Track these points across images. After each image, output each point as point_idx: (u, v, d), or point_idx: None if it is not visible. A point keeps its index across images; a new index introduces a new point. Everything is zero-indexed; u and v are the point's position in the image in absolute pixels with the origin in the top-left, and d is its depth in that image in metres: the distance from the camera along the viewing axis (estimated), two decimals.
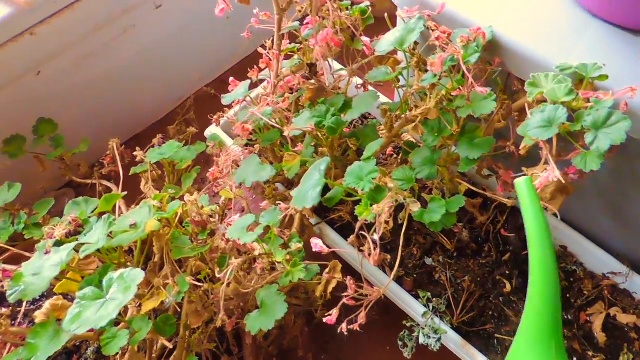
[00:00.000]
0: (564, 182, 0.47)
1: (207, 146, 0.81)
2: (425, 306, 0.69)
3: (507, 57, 0.55)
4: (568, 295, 0.72)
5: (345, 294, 0.50)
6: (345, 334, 0.51)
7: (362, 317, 0.51)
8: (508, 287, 0.73)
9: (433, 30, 0.52)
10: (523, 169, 0.55)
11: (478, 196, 0.73)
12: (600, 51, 0.53)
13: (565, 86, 0.48)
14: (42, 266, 0.54)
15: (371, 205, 0.50)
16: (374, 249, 0.49)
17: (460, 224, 0.77)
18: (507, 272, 0.74)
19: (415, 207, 0.54)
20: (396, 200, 0.53)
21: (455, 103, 0.54)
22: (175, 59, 1.01)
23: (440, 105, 0.56)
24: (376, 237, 0.49)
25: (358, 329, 0.51)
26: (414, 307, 0.69)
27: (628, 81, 0.50)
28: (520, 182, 0.47)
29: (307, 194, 0.51)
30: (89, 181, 0.84)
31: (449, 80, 0.55)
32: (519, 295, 0.73)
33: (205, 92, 1.04)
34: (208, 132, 0.84)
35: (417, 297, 0.71)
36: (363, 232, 0.50)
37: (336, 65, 0.85)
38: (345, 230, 0.77)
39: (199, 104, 1.07)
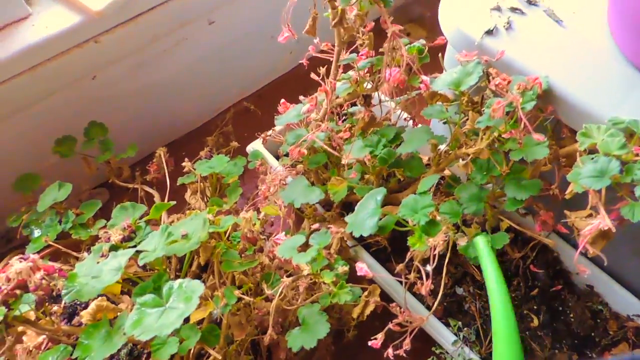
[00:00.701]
0: (614, 230, 0.49)
1: (249, 162, 0.84)
2: (455, 335, 0.72)
3: (560, 106, 0.58)
4: (593, 334, 0.75)
5: (395, 320, 0.52)
6: (392, 359, 0.53)
7: (407, 344, 0.53)
8: (535, 322, 0.75)
9: (493, 78, 0.55)
10: (566, 212, 0.58)
11: (510, 231, 0.75)
12: None
13: (618, 140, 0.51)
14: (101, 270, 0.56)
15: (424, 238, 0.53)
16: (426, 279, 0.51)
17: None
18: (535, 307, 0.76)
19: (462, 242, 0.56)
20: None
21: (507, 145, 0.57)
22: (218, 72, 1.04)
23: (492, 146, 0.58)
24: (429, 268, 0.51)
25: (404, 354, 0.53)
26: (444, 335, 0.71)
27: None
28: (479, 240, 0.55)
29: (364, 222, 0.54)
30: (130, 185, 0.86)
31: (501, 123, 0.58)
32: (545, 330, 0.75)
33: (244, 106, 1.08)
34: (250, 148, 0.86)
35: (447, 325, 0.73)
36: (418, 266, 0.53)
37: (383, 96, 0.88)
38: (379, 254, 0.79)
39: (236, 117, 1.10)
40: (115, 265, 0.56)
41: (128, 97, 0.91)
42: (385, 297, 0.74)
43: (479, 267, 0.79)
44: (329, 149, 0.59)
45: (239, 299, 0.63)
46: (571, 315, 0.75)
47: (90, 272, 0.57)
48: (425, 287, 0.51)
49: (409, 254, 0.55)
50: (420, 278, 0.55)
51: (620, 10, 0.58)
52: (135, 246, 0.61)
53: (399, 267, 0.56)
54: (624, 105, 0.57)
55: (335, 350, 0.80)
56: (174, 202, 0.71)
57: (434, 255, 0.50)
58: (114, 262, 0.57)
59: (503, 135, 0.58)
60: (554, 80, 0.58)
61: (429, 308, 0.76)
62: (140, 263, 0.56)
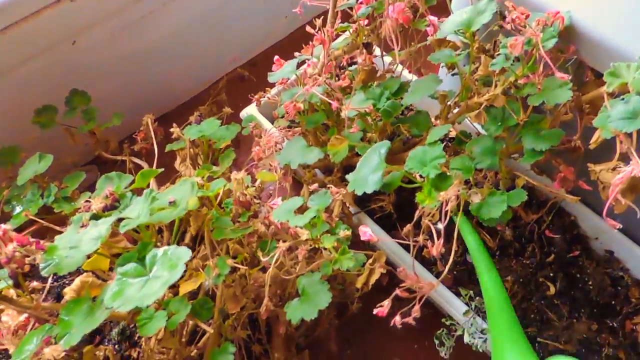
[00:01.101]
0: None
1: (243, 127, 0.79)
2: (467, 304, 0.67)
3: (583, 45, 0.52)
4: (614, 302, 0.69)
5: (402, 285, 0.47)
6: (399, 327, 0.48)
7: (416, 310, 0.48)
8: (552, 290, 0.70)
9: (510, 11, 0.49)
10: (590, 165, 0.52)
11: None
12: None
13: None
14: (80, 239, 0.51)
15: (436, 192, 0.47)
16: (438, 238, 0.46)
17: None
18: (551, 275, 0.71)
19: (477, 199, 0.51)
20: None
21: (524, 90, 0.51)
22: (209, 39, 0.98)
23: (507, 93, 0.53)
24: (440, 226, 0.46)
25: (413, 322, 0.48)
26: (455, 305, 0.67)
27: None
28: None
29: (367, 178, 0.48)
30: (118, 157, 0.81)
31: (518, 66, 0.52)
32: (562, 298, 0.69)
33: (238, 74, 1.02)
34: (244, 113, 0.81)
35: (457, 294, 0.69)
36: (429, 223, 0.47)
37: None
38: (383, 221, 0.74)
39: (230, 86, 1.04)
40: (95, 234, 0.51)
41: (112, 64, 0.85)
42: (391, 266, 0.70)
43: (490, 233, 0.74)
44: (328, 100, 0.53)
45: (234, 270, 0.59)
46: (590, 283, 0.70)
47: (70, 241, 0.52)
48: (436, 248, 0.45)
49: (417, 212, 0.49)
50: (430, 239, 0.50)
51: None
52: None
53: (407, 227, 0.50)
54: None
55: (338, 324, 0.76)
56: (162, 169, 0.65)
57: (446, 212, 0.45)
58: (94, 230, 0.52)
59: (520, 81, 0.53)
60: (576, 15, 0.52)
61: (438, 276, 0.71)
62: (122, 230, 0.51)
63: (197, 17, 0.91)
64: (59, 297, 0.75)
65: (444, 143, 0.73)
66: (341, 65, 0.71)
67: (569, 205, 0.74)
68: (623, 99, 0.46)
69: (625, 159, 0.47)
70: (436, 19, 0.54)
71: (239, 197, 0.56)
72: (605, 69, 0.49)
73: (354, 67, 0.71)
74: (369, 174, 0.48)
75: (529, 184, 0.74)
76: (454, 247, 0.54)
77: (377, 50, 0.68)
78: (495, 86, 0.53)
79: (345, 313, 0.74)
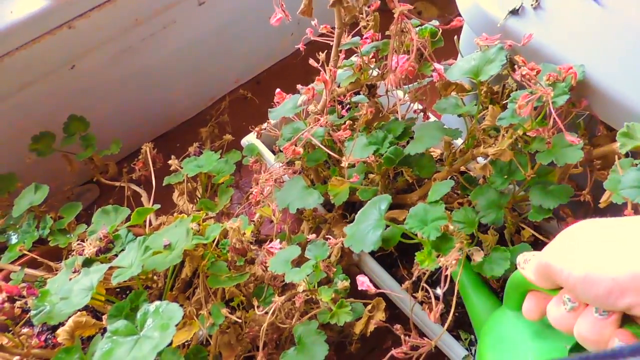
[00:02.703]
0: None
1: (244, 156, 0.77)
2: (467, 350, 0.65)
3: (596, 100, 0.50)
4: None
5: (397, 350, 0.46)
6: None
7: None
8: None
9: (519, 67, 0.47)
10: None
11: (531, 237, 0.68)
12: None
13: None
14: (71, 289, 0.50)
15: (435, 254, 0.46)
16: (436, 305, 0.44)
17: None
18: None
19: (478, 258, 0.49)
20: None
21: (533, 146, 0.49)
22: (211, 58, 0.96)
23: (514, 146, 0.51)
24: (439, 291, 0.44)
25: None
26: (454, 349, 0.65)
27: None
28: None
29: (365, 236, 0.47)
30: (117, 183, 0.80)
31: (527, 120, 0.50)
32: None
33: (241, 94, 1.00)
34: (245, 142, 0.79)
35: (458, 337, 0.67)
36: (425, 286, 0.46)
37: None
38: (385, 259, 0.73)
39: (232, 106, 1.02)
40: (86, 284, 0.50)
41: (112, 86, 0.83)
42: (391, 304, 0.68)
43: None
44: (326, 150, 0.51)
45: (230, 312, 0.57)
46: None
47: (61, 290, 0.51)
48: (434, 314, 0.44)
49: (416, 271, 0.48)
50: (429, 297, 0.48)
51: None
52: (114, 257, 0.55)
53: (405, 284, 0.49)
54: None
55: None
56: (158, 206, 0.64)
57: (446, 277, 0.43)
58: (85, 280, 0.50)
59: (528, 134, 0.50)
60: (590, 69, 0.50)
61: (441, 318, 0.69)
62: (114, 282, 0.49)
63: (198, 38, 0.90)
64: (55, 328, 0.74)
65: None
66: (343, 101, 0.69)
67: None
68: (637, 164, 0.44)
69: None
70: (442, 67, 0.52)
71: (234, 245, 0.54)
72: (618, 126, 0.47)
73: (357, 97, 0.69)
74: (368, 231, 0.47)
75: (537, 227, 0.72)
76: (454, 302, 0.53)
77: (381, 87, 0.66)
78: (503, 138, 0.51)
79: (344, 351, 0.72)
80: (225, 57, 0.99)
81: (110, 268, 0.51)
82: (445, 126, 0.57)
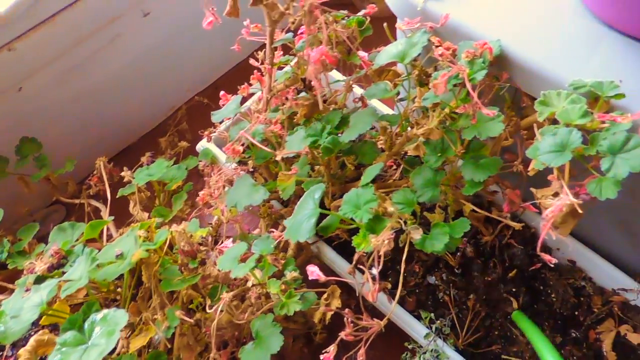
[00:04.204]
0: (580, 211, 0.43)
1: (200, 162, 0.78)
2: (428, 327, 0.66)
3: (516, 73, 0.51)
4: (576, 313, 0.69)
5: (344, 333, 0.47)
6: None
7: (361, 354, 0.48)
8: (515, 305, 0.70)
9: (436, 46, 0.48)
10: (532, 190, 0.51)
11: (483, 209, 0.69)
12: (617, 66, 0.49)
13: (579, 107, 0.45)
14: (22, 307, 0.51)
15: (370, 236, 0.47)
16: (373, 283, 0.45)
17: (465, 239, 0.74)
18: (514, 289, 0.71)
19: (417, 235, 0.51)
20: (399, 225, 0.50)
21: (459, 123, 0.50)
22: (165, 68, 0.97)
23: (443, 125, 0.52)
24: (375, 271, 0.45)
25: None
26: (416, 329, 0.66)
27: None
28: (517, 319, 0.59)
29: (301, 226, 0.48)
30: (76, 201, 0.81)
31: (451, 98, 0.51)
32: (526, 312, 0.69)
33: (198, 102, 1.01)
34: (200, 147, 0.80)
35: (419, 317, 0.68)
36: (362, 266, 0.47)
37: (337, 75, 0.81)
38: (344, 247, 0.74)
39: (192, 113, 1.03)
40: (36, 300, 0.51)
41: (64, 106, 0.84)
42: (352, 291, 0.69)
43: (452, 252, 0.73)
44: (261, 146, 0.52)
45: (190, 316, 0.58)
46: (552, 295, 0.69)
47: (13, 309, 0.52)
48: (372, 294, 0.45)
49: (355, 255, 0.49)
50: (374, 279, 0.49)
51: None
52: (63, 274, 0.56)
53: (348, 269, 0.50)
54: (588, 66, 0.50)
55: (308, 352, 0.76)
56: (112, 218, 0.65)
57: (379, 257, 0.44)
58: (35, 297, 0.51)
59: (456, 111, 0.52)
60: (507, 43, 0.51)
61: (400, 300, 0.71)
62: (62, 295, 0.50)
63: (148, 50, 0.90)
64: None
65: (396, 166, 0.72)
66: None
67: (529, 218, 0.74)
68: (554, 129, 0.46)
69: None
70: (366, 54, 0.53)
71: (183, 248, 0.55)
72: (539, 95, 0.48)
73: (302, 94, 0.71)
74: (304, 220, 0.48)
75: (486, 201, 0.74)
76: (400, 281, 0.54)
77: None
78: (432, 118, 0.52)
79: (313, 342, 0.74)
80: (179, 65, 0.99)
81: (61, 282, 0.52)
82: (387, 110, 0.58)
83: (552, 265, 0.49)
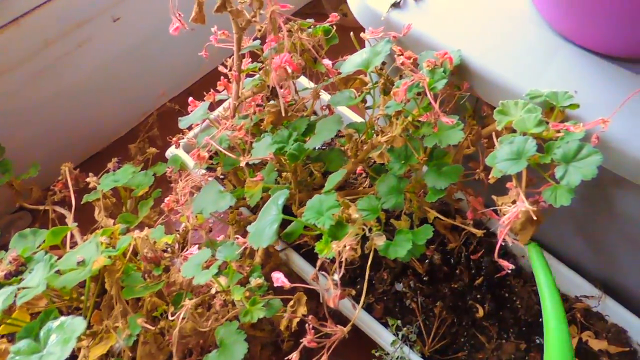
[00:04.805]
0: (535, 218, 0.44)
1: (168, 168, 0.77)
2: (394, 334, 0.67)
3: (476, 82, 0.53)
4: (540, 320, 0.71)
5: (305, 339, 0.47)
6: None
7: None
8: (480, 312, 0.71)
9: (398, 55, 0.49)
10: (493, 197, 0.53)
11: (450, 216, 0.70)
12: (572, 77, 0.51)
13: (535, 116, 0.46)
14: None
15: (332, 242, 0.47)
16: (334, 289, 0.46)
17: (432, 246, 0.74)
18: (480, 297, 0.71)
19: (379, 242, 0.51)
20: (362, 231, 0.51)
21: (421, 131, 0.51)
22: (137, 73, 0.96)
23: (407, 132, 0.53)
24: (336, 277, 0.45)
25: None
26: (382, 336, 0.66)
27: (600, 110, 0.48)
28: (531, 250, 0.52)
29: (263, 232, 0.48)
30: (41, 207, 0.79)
31: (414, 106, 0.52)
32: (491, 320, 0.70)
33: (170, 108, 1.00)
34: (169, 153, 0.79)
35: (386, 324, 0.69)
36: (324, 273, 0.47)
37: (305, 81, 0.82)
38: (313, 254, 0.74)
39: (164, 119, 1.02)
40: None
41: (33, 110, 0.82)
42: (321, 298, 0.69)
43: (419, 258, 0.74)
44: (228, 153, 0.52)
45: (153, 325, 0.57)
46: (517, 302, 0.71)
47: None
48: (333, 300, 0.45)
49: (318, 261, 0.49)
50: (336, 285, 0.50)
51: None
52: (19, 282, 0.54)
53: (311, 275, 0.50)
54: (545, 75, 0.51)
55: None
56: (75, 224, 0.64)
57: (340, 263, 0.45)
58: None
59: (420, 119, 0.53)
60: (467, 53, 0.52)
61: (368, 307, 0.71)
62: (18, 303, 0.49)
63: (119, 54, 0.90)
64: None
65: (366, 173, 0.73)
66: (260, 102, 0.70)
67: (494, 225, 0.75)
68: (511, 140, 0.47)
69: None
70: (330, 62, 0.54)
71: (146, 254, 0.54)
72: (498, 105, 0.49)
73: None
74: (267, 226, 0.48)
75: (453, 209, 0.75)
76: (365, 287, 0.55)
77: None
78: (395, 126, 0.53)
79: (281, 350, 0.73)
80: (152, 71, 0.99)
81: (19, 289, 0.51)
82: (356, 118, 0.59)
83: (509, 271, 0.50)
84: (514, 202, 0.50)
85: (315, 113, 0.69)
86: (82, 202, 0.70)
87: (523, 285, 0.73)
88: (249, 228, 0.51)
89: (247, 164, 0.63)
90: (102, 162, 1.00)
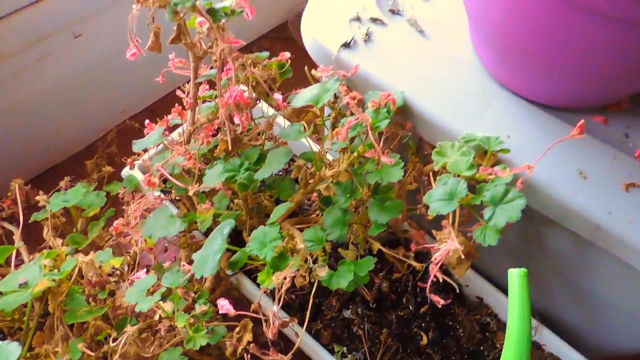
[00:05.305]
0: (462, 255, 0.47)
1: (121, 189, 0.77)
2: None
3: (418, 123, 0.56)
4: (482, 348, 0.73)
5: None
6: None
7: None
8: (424, 340, 0.73)
9: (344, 95, 0.52)
10: (433, 231, 0.55)
11: (400, 245, 0.73)
12: (506, 122, 0.54)
13: (467, 160, 0.49)
14: None
15: (273, 274, 0.48)
16: (274, 321, 0.47)
17: (381, 274, 0.77)
18: (424, 325, 0.74)
19: (322, 273, 0.53)
20: (307, 260, 0.53)
21: (365, 167, 0.53)
22: (98, 89, 0.96)
23: (353, 167, 0.55)
24: (275, 308, 0.47)
25: None
26: None
27: (530, 154, 0.51)
28: (514, 274, 0.49)
29: (207, 261, 0.49)
30: None
31: (359, 143, 0.55)
32: (435, 347, 0.73)
33: (129, 125, 1.00)
34: (125, 173, 0.79)
35: (332, 351, 0.70)
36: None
37: (265, 107, 0.83)
38: None
39: (124, 137, 1.02)
40: None
41: None
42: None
43: (368, 285, 0.76)
44: (174, 181, 0.53)
45: (97, 349, 0.57)
46: (460, 330, 0.73)
47: None
48: (271, 331, 0.46)
49: (260, 291, 0.50)
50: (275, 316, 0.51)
51: (476, 25, 0.56)
52: None
53: (253, 305, 0.51)
54: (482, 120, 0.55)
55: None
56: (21, 244, 0.63)
57: (279, 296, 0.46)
58: None
59: (366, 155, 0.55)
60: (411, 95, 0.55)
61: (316, 333, 0.72)
62: None
63: (79, 70, 0.90)
64: None
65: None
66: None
67: None
68: (445, 181, 0.49)
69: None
70: (281, 97, 0.56)
71: (90, 278, 0.54)
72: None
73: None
74: (210, 256, 0.49)
75: (403, 238, 0.77)
76: (308, 315, 0.56)
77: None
78: (341, 161, 0.55)
79: None
80: (114, 87, 0.99)
81: None
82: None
83: (441, 306, 0.52)
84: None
85: (275, 138, 0.71)
86: (29, 221, 0.69)
87: (466, 314, 0.76)
88: (194, 256, 0.52)
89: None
90: (58, 175, 0.99)
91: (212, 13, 0.47)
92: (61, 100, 0.91)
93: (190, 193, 0.54)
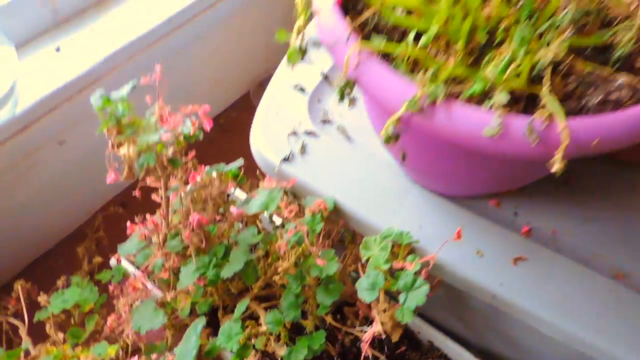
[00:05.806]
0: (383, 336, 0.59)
1: (112, 276, 0.89)
2: None
3: (349, 220, 0.68)
4: None
5: None
6: None
7: None
8: None
9: (285, 208, 0.64)
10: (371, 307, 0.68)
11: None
12: (419, 214, 0.67)
13: (384, 255, 0.62)
14: None
15: None
16: None
17: (344, 329, 0.89)
18: None
19: (281, 351, 0.65)
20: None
21: (308, 262, 0.66)
22: (82, 181, 1.07)
23: (298, 262, 0.67)
24: None
25: None
26: None
27: (438, 238, 0.64)
28: None
29: (186, 357, 0.61)
30: None
31: (303, 241, 0.67)
32: None
33: (115, 211, 1.12)
34: (113, 264, 0.91)
35: None
36: None
37: (240, 193, 0.96)
38: None
39: (107, 221, 1.13)
40: None
41: None
42: None
43: (331, 340, 0.88)
44: (154, 289, 0.65)
45: None
46: None
47: None
48: None
49: None
50: None
51: (386, 148, 0.69)
52: None
53: None
54: (399, 214, 0.68)
55: None
56: (28, 341, 0.74)
57: None
58: None
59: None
60: (340, 197, 0.68)
61: None
62: None
63: (62, 171, 1.01)
64: None
65: None
66: None
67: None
68: (368, 274, 0.62)
69: None
70: (235, 210, 0.68)
71: None
72: None
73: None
74: (188, 352, 0.61)
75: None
76: None
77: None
78: (289, 256, 0.67)
79: None
80: (95, 178, 1.09)
81: None
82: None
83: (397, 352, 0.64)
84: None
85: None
86: (34, 321, 0.80)
87: (420, 357, 0.88)
88: (175, 350, 0.63)
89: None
90: (52, 260, 1.10)
91: (173, 162, 0.60)
92: (47, 196, 1.02)
93: (168, 299, 0.66)
